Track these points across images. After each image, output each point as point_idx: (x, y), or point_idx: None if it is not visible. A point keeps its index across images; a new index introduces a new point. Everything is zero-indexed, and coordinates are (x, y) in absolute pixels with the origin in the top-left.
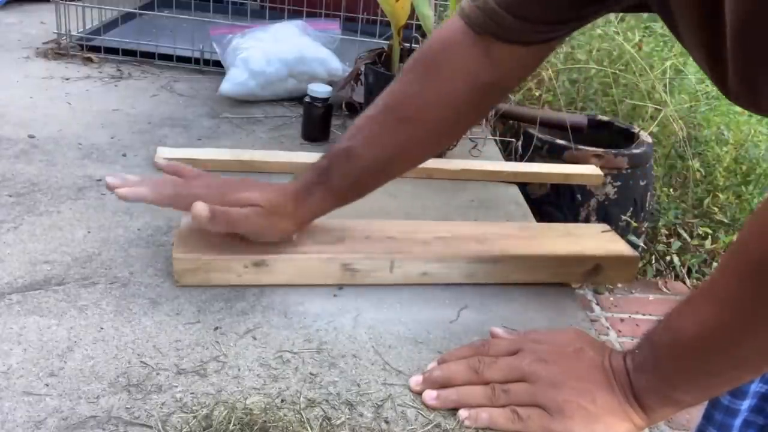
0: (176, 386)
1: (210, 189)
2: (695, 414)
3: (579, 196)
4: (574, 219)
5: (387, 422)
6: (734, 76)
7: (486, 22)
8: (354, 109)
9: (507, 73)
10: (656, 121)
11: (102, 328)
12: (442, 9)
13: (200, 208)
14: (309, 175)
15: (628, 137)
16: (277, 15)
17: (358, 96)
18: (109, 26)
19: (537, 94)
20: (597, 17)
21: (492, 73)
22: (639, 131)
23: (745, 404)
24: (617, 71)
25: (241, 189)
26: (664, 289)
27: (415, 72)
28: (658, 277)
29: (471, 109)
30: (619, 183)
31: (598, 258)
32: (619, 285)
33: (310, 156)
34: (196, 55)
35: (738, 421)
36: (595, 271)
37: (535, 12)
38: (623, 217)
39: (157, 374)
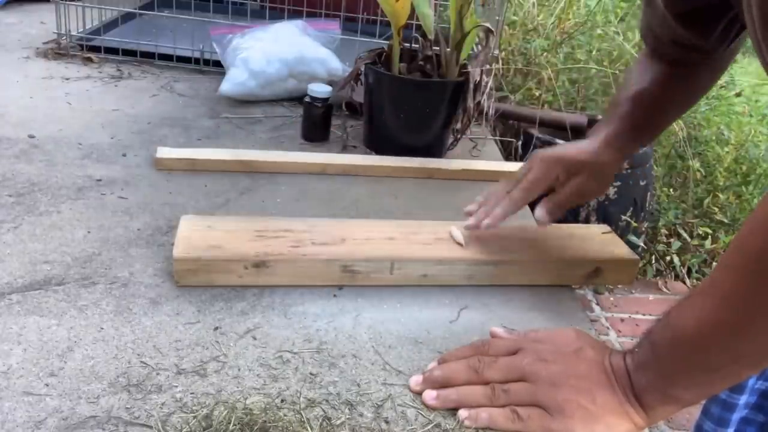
0: (176, 386)
1: (535, 173)
2: (695, 413)
3: None
4: (574, 219)
5: (387, 422)
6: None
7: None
8: (354, 109)
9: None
10: None
11: (102, 328)
12: (442, 9)
13: (542, 214)
14: (613, 124)
15: None
16: (277, 15)
17: (358, 96)
18: (109, 26)
19: (537, 94)
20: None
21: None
22: None
23: (743, 399)
24: (617, 71)
25: (558, 153)
26: (664, 289)
27: (648, 68)
28: (658, 277)
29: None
30: (619, 183)
31: (599, 261)
32: (619, 286)
33: (310, 156)
34: (196, 55)
35: (736, 416)
36: (595, 273)
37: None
38: (623, 217)
39: (157, 374)
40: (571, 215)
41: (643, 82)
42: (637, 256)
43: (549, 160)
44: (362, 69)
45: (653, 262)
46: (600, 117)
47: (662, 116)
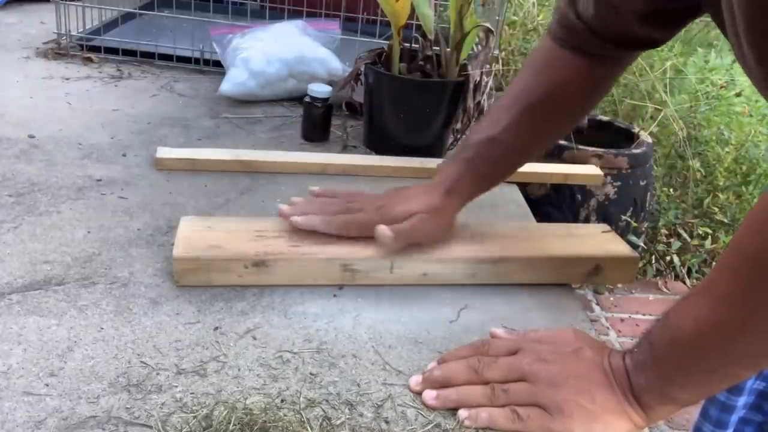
0: (176, 386)
1: (368, 212)
2: (694, 414)
3: (579, 196)
4: (574, 219)
5: (387, 422)
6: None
7: (575, 39)
8: (354, 109)
9: (609, 74)
10: (656, 121)
11: (102, 328)
12: (442, 9)
13: (384, 232)
14: (454, 167)
15: (628, 137)
16: (277, 15)
17: (358, 96)
18: (109, 26)
19: None
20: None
21: (598, 75)
22: (639, 131)
23: (742, 401)
24: None
25: (393, 203)
26: (664, 289)
27: (529, 73)
28: (658, 277)
29: (583, 107)
30: (619, 183)
31: (599, 259)
32: (619, 285)
33: (310, 156)
34: (196, 55)
35: (734, 417)
36: (595, 271)
37: (614, 31)
38: (623, 217)
39: (157, 374)
40: (571, 215)
41: (500, 123)
42: (637, 254)
43: (381, 213)
44: (362, 69)
45: (653, 262)
46: (600, 117)
47: (511, 163)
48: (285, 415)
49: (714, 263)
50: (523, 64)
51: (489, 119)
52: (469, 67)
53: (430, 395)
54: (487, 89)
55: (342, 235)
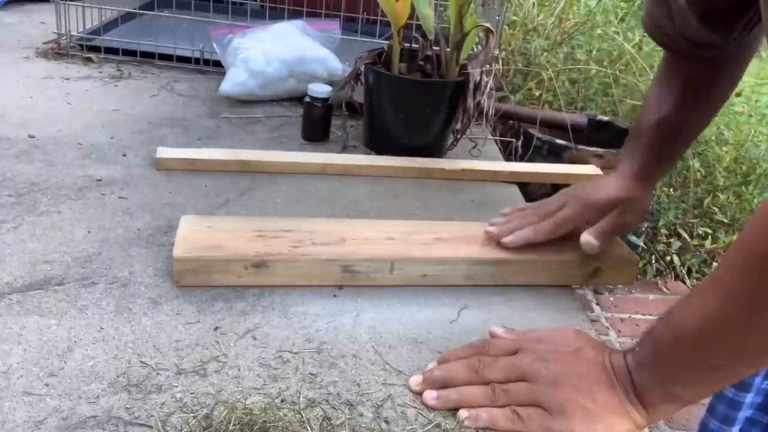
0: (176, 386)
1: (571, 205)
2: (695, 413)
3: None
4: None
5: (387, 422)
6: None
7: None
8: (354, 109)
9: (743, 58)
10: None
11: (102, 328)
12: (442, 9)
13: (590, 241)
14: (638, 155)
15: None
16: (277, 15)
17: (358, 96)
18: (109, 26)
19: (537, 94)
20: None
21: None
22: None
23: (749, 398)
24: (617, 71)
25: (591, 192)
26: (664, 289)
27: (669, 70)
28: (658, 277)
29: (726, 88)
30: None
31: (599, 261)
32: (619, 286)
33: (310, 156)
34: (196, 55)
35: (741, 414)
36: (595, 273)
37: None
38: None
39: (157, 374)
40: None
41: (664, 107)
42: (637, 256)
43: (584, 202)
44: (362, 69)
45: (653, 262)
46: (600, 117)
47: (684, 141)
48: (285, 415)
49: (714, 263)
50: (656, 74)
51: (652, 100)
52: (469, 67)
53: (430, 395)
54: (487, 89)
55: (555, 237)
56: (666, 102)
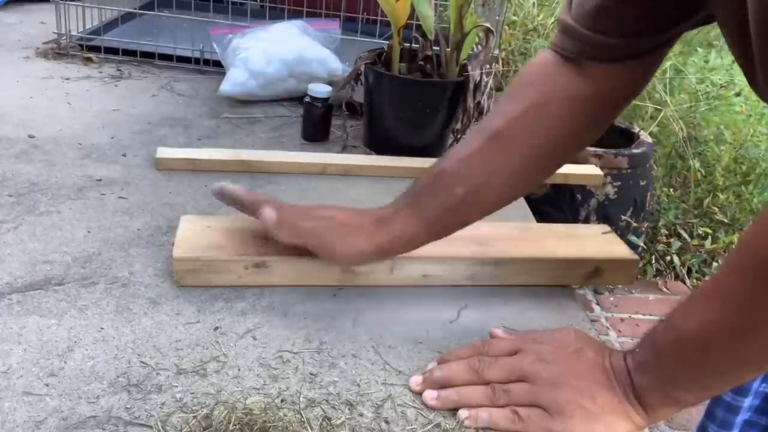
0: (176, 386)
1: (293, 206)
2: (695, 414)
3: (579, 196)
4: (574, 219)
5: (387, 422)
6: (760, 70)
7: (571, 44)
8: (354, 109)
9: (607, 90)
10: (656, 121)
11: (102, 328)
12: (442, 9)
13: (268, 212)
14: (398, 198)
15: (628, 137)
16: (277, 15)
17: (358, 96)
18: (109, 26)
19: None
20: (678, 31)
21: (588, 90)
22: (639, 131)
23: (747, 402)
24: None
25: (324, 207)
26: (664, 289)
27: (508, 96)
28: (658, 277)
29: (569, 131)
30: (619, 183)
31: (599, 261)
32: (619, 286)
33: (310, 156)
34: (196, 55)
35: (739, 419)
36: (595, 273)
37: (610, 25)
38: (623, 217)
39: (157, 374)
40: (571, 215)
41: (453, 156)
42: (636, 256)
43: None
44: (362, 69)
45: (653, 262)
46: None
47: (461, 200)
48: (285, 415)
49: (714, 263)
50: (509, 87)
51: (451, 150)
52: (469, 67)
53: (430, 395)
54: (487, 89)
55: (249, 210)
56: (460, 150)
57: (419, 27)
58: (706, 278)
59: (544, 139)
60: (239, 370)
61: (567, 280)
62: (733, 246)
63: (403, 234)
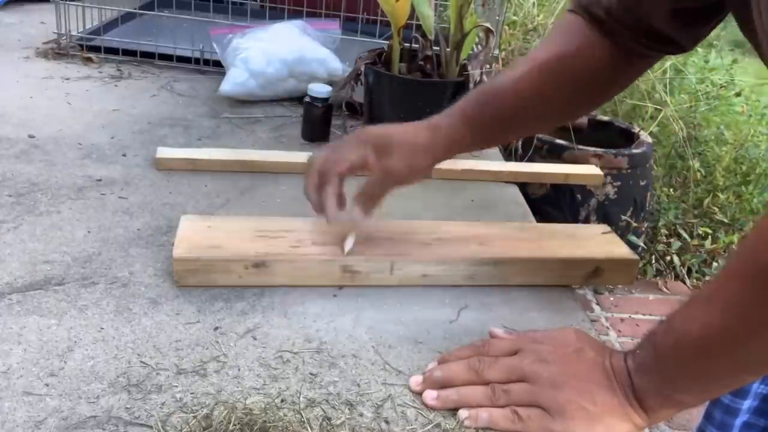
0: (176, 386)
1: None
2: (695, 414)
3: (579, 196)
4: (574, 219)
5: (387, 422)
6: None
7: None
8: (354, 109)
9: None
10: (656, 121)
11: (102, 328)
12: (442, 9)
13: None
14: (448, 112)
15: (628, 137)
16: (277, 15)
17: (358, 96)
18: (109, 26)
19: None
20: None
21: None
22: (639, 131)
23: (746, 404)
24: None
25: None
26: (664, 289)
27: (555, 33)
28: (658, 277)
29: (608, 78)
30: (619, 183)
31: (599, 261)
32: (619, 286)
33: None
34: (196, 55)
35: (738, 421)
36: (595, 273)
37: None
38: (623, 217)
39: (157, 374)
40: (571, 215)
41: (505, 77)
42: (636, 256)
43: (359, 138)
44: (362, 69)
45: (653, 262)
46: (600, 117)
47: (510, 118)
48: (285, 415)
49: (714, 263)
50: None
51: (500, 74)
52: (469, 67)
53: (430, 395)
54: None
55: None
56: (511, 73)
57: (419, 27)
58: (707, 279)
59: (585, 76)
60: (239, 370)
61: (567, 280)
62: (733, 247)
63: (453, 139)
